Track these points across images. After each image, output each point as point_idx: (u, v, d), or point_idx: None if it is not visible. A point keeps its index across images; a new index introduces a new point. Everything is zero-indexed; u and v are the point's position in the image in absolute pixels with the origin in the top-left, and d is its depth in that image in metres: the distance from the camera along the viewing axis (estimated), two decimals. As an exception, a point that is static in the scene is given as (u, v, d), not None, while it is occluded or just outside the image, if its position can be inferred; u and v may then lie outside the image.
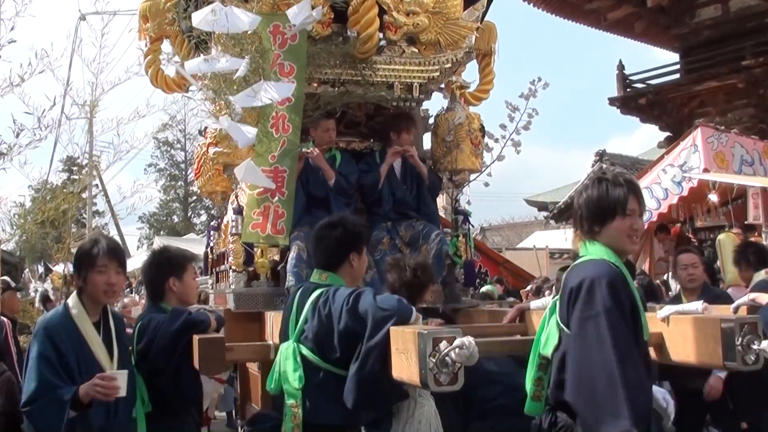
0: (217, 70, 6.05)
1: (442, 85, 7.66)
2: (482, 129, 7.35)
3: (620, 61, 23.39)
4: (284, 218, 6.44)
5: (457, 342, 3.37)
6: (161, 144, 54.59)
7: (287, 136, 6.45)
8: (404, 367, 3.69)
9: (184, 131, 53.26)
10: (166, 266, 5.24)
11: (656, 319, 4.17)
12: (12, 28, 8.57)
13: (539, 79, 6.86)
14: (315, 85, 6.90)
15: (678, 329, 4.05)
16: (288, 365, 4.37)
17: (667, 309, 4.24)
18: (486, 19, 7.82)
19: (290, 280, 6.28)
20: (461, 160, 7.20)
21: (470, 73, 8.12)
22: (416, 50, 7.08)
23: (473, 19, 7.34)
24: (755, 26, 20.63)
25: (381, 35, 6.91)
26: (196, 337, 4.82)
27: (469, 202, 7.53)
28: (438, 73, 7.11)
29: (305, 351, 4.34)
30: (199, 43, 6.90)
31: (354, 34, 6.80)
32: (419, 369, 3.48)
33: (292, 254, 6.40)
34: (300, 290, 4.59)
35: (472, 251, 7.43)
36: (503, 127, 6.96)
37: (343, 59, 6.84)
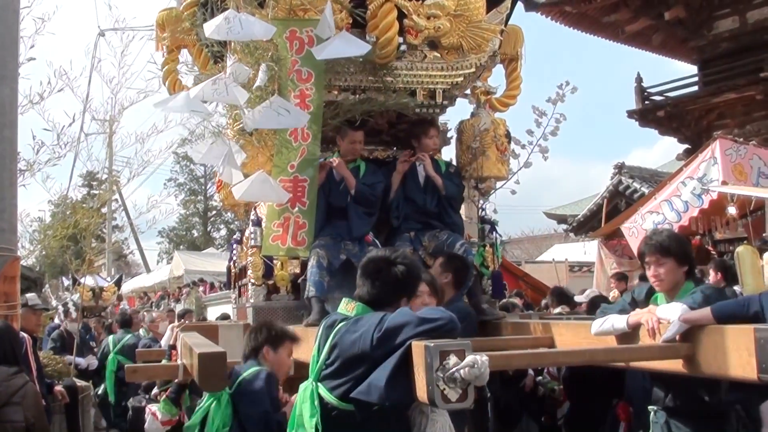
0: (224, 101, 5.95)
1: (467, 91, 7.43)
2: (508, 135, 7.16)
3: (638, 74, 23.30)
4: (305, 229, 6.29)
5: (468, 360, 3.18)
6: (181, 159, 54.83)
7: (306, 145, 6.30)
8: (415, 382, 3.44)
9: (204, 146, 53.37)
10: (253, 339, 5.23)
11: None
12: (32, 46, 8.69)
13: (567, 83, 6.69)
14: (335, 92, 6.70)
15: (710, 340, 3.88)
16: (305, 409, 3.90)
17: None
18: (510, 23, 7.56)
19: (311, 289, 6.11)
20: (487, 167, 7.01)
21: (495, 78, 7.89)
22: (438, 55, 6.88)
23: (497, 22, 7.08)
24: (773, 38, 20.54)
25: (401, 40, 6.71)
26: (195, 352, 4.70)
27: (495, 211, 7.33)
28: (461, 79, 6.86)
29: (324, 392, 3.83)
30: (217, 52, 6.78)
31: (373, 39, 6.56)
32: (426, 384, 3.26)
33: (311, 262, 6.21)
34: (324, 324, 4.10)
35: (499, 261, 7.20)
36: (530, 132, 6.80)
37: (362, 65, 6.63)
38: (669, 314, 4.22)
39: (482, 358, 3.17)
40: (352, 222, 6.54)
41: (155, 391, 7.77)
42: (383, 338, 3.59)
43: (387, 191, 6.80)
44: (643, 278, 7.33)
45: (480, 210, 7.30)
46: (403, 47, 6.75)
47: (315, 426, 3.80)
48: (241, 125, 6.08)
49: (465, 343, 3.31)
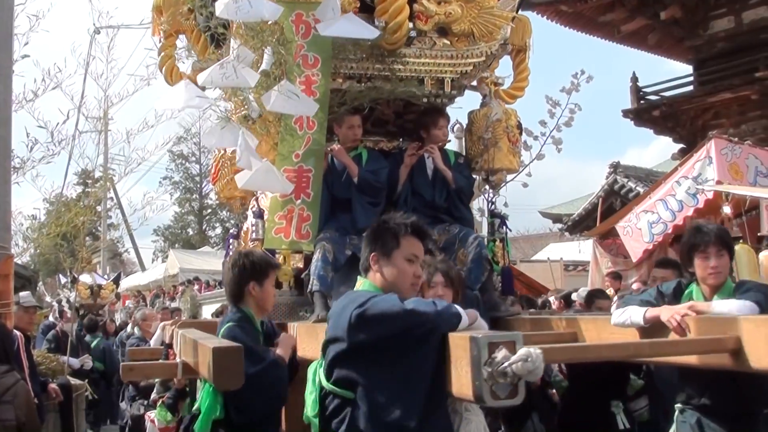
0: (233, 85, 5.64)
1: (474, 82, 7.16)
2: (520, 126, 6.89)
3: (634, 73, 23.31)
4: (310, 222, 6.04)
5: (521, 353, 2.90)
6: (176, 157, 54.86)
7: (312, 134, 6.08)
8: (453, 378, 3.18)
9: (199, 144, 53.55)
10: (249, 270, 4.92)
11: (734, 321, 3.80)
12: (26, 44, 8.66)
13: (582, 72, 6.46)
14: (340, 80, 6.41)
15: (760, 332, 3.61)
16: (308, 386, 3.81)
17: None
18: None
19: (315, 283, 5.84)
20: (498, 159, 6.71)
21: (502, 69, 7.59)
22: (448, 42, 6.62)
23: (509, 9, 6.84)
24: (768, 38, 20.59)
25: (411, 25, 6.46)
26: (209, 346, 4.34)
27: (506, 204, 7.00)
28: (471, 68, 6.61)
29: (320, 370, 3.68)
30: (218, 37, 6.42)
31: (382, 24, 6.28)
32: (472, 380, 2.97)
33: (316, 255, 5.93)
34: None
35: (509, 257, 6.96)
36: (543, 123, 6.54)
37: (370, 51, 6.36)
38: (727, 309, 4.07)
39: (536, 351, 2.91)
40: (357, 213, 6.30)
41: (154, 396, 7.68)
42: (360, 319, 3.38)
43: (394, 184, 6.55)
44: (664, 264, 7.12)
45: (490, 203, 7.01)
46: (413, 33, 6.50)
47: (312, 403, 3.70)
48: (244, 112, 5.88)
49: (515, 334, 3.04)
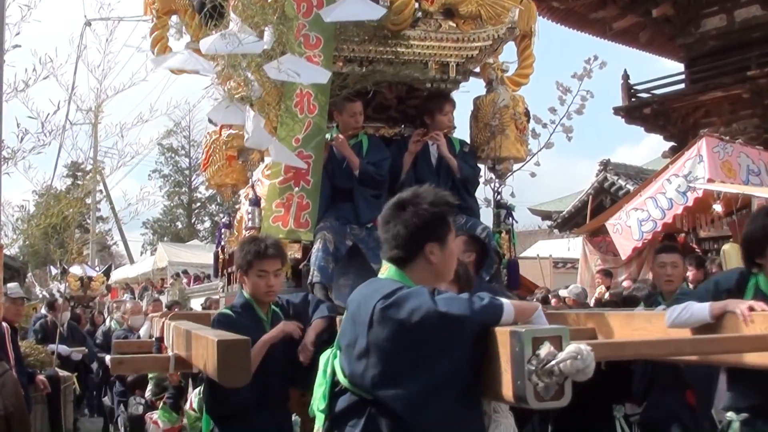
0: (237, 51, 5.36)
1: (477, 68, 6.92)
2: (527, 113, 6.67)
3: (625, 71, 23.26)
4: (309, 210, 5.76)
5: (570, 350, 2.60)
6: (166, 150, 54.71)
7: (312, 117, 5.79)
8: (489, 377, 2.87)
9: (189, 138, 53.55)
10: (237, 258, 4.76)
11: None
12: (17, 33, 8.59)
13: (595, 58, 6.27)
14: (340, 63, 6.15)
15: None
16: (318, 376, 3.42)
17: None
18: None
19: (315, 275, 5.60)
20: (505, 147, 6.48)
21: (504, 56, 7.25)
22: (454, 24, 6.39)
23: None
24: (760, 36, 20.49)
25: (416, 6, 6.18)
26: (213, 340, 3.95)
27: (513, 194, 6.75)
28: (477, 52, 6.39)
29: (336, 362, 3.28)
30: (212, 14, 6.07)
31: (386, 3, 6.01)
32: (513, 379, 2.67)
33: (317, 246, 5.69)
34: None
35: (515, 249, 6.74)
36: (553, 111, 6.31)
37: (373, 33, 6.10)
38: None
39: (587, 348, 2.61)
40: (360, 207, 6.07)
41: (150, 397, 7.57)
42: (384, 313, 2.98)
43: (396, 172, 6.30)
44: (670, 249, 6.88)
45: (496, 194, 6.75)
46: (418, 14, 6.21)
47: (322, 396, 3.32)
48: (243, 93, 5.65)
49: (562, 328, 2.74)
